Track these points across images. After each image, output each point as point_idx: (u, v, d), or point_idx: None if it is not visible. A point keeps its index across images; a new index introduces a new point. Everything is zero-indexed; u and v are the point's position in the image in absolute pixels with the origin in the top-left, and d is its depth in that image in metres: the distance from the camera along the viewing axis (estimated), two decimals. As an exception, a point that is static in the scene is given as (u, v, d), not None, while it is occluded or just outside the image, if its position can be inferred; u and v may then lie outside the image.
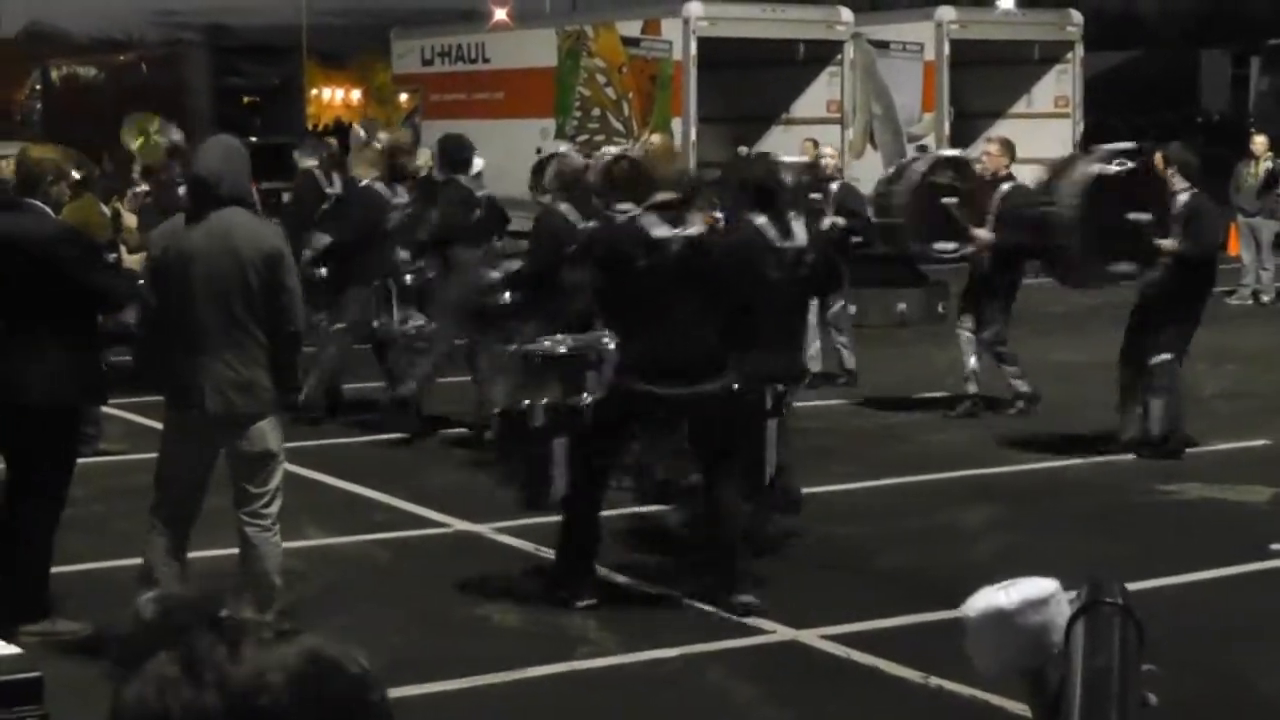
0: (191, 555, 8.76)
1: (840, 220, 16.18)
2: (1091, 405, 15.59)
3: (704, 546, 9.85)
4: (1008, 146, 15.57)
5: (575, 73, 29.63)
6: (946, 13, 29.39)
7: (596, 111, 29.15)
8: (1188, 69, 45.53)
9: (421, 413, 14.56)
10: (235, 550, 8.74)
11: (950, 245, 15.06)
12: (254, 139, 25.43)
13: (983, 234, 14.76)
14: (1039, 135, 27.84)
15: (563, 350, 9.81)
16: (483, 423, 13.14)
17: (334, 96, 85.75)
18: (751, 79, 29.05)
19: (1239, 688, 8.55)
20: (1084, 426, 14.65)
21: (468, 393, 14.35)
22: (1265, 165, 24.81)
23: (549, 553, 10.77)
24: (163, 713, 1.67)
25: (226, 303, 8.35)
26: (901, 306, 21.99)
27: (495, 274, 12.72)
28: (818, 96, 28.74)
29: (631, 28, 28.76)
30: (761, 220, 10.51)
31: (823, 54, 28.47)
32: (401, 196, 14.89)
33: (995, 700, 7.76)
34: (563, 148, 15.40)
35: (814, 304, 13.97)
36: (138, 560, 8.77)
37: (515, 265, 13.01)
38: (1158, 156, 13.65)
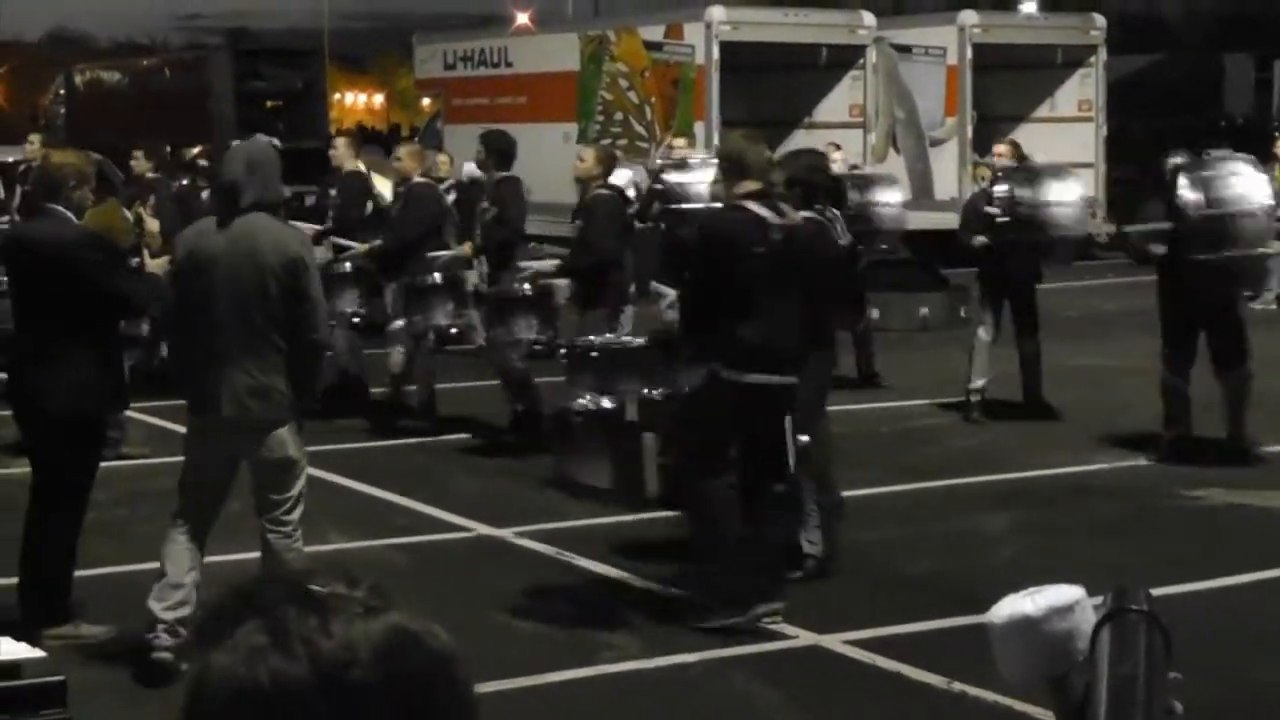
0: (212, 559, 8.76)
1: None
2: (1115, 410, 15.59)
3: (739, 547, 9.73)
4: (1017, 148, 15.75)
5: (598, 77, 29.67)
6: (969, 17, 29.40)
7: (619, 116, 29.19)
8: (1211, 73, 45.47)
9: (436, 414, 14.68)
10: (255, 555, 8.73)
11: None
12: (277, 143, 25.54)
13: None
14: (1062, 139, 27.88)
15: (639, 342, 9.80)
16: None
17: (356, 100, 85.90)
18: (774, 83, 29.08)
19: (1265, 695, 8.52)
20: (1108, 431, 14.63)
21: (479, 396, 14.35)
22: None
23: (571, 557, 10.79)
24: (252, 682, 1.65)
25: (246, 309, 8.31)
26: (923, 311, 21.96)
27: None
28: (840, 101, 28.77)
29: (654, 32, 28.80)
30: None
31: (845, 58, 28.50)
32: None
33: (1020, 706, 7.74)
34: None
35: None
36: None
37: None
38: None
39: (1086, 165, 28.11)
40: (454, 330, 14.05)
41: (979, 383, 15.23)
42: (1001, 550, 11.06)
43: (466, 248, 14.63)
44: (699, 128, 27.42)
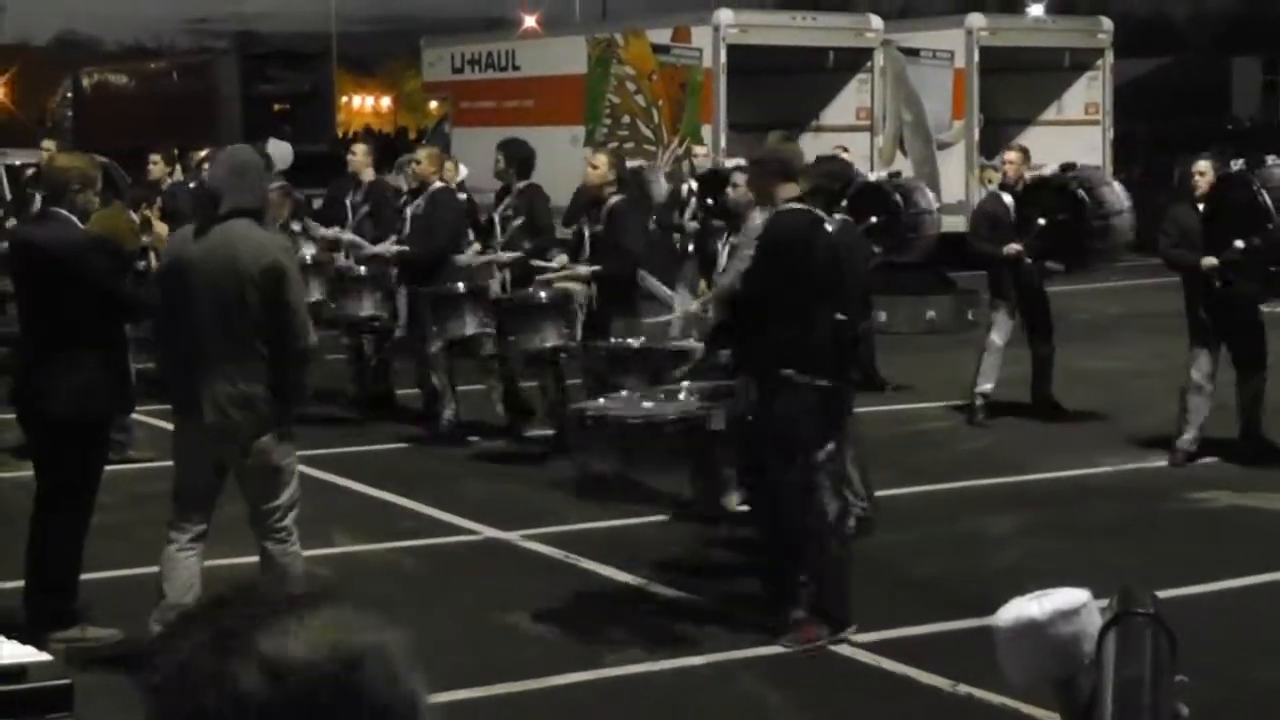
0: (211, 563, 8.75)
1: None
2: (1122, 412, 15.60)
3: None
4: (1026, 155, 15.75)
5: (605, 80, 29.65)
6: (976, 20, 29.38)
7: (626, 119, 29.17)
8: (1219, 76, 45.46)
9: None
10: (254, 559, 8.72)
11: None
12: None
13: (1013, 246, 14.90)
14: (1069, 142, 27.80)
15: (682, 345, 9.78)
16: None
17: (363, 103, 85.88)
18: (781, 86, 29.03)
19: (1271, 697, 8.51)
20: (1114, 433, 14.63)
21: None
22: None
23: (578, 560, 10.79)
24: (196, 689, 1.71)
25: (226, 316, 8.22)
26: (931, 314, 21.96)
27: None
28: (848, 104, 28.74)
29: (661, 35, 28.77)
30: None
31: (853, 61, 28.47)
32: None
33: (1026, 709, 7.74)
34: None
35: None
36: (165, 568, 8.78)
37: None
38: None
39: (1094, 169, 28.08)
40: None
41: (986, 386, 15.24)
42: (1008, 553, 11.06)
43: (503, 255, 14.45)
44: (706, 131, 27.41)
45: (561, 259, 13.73)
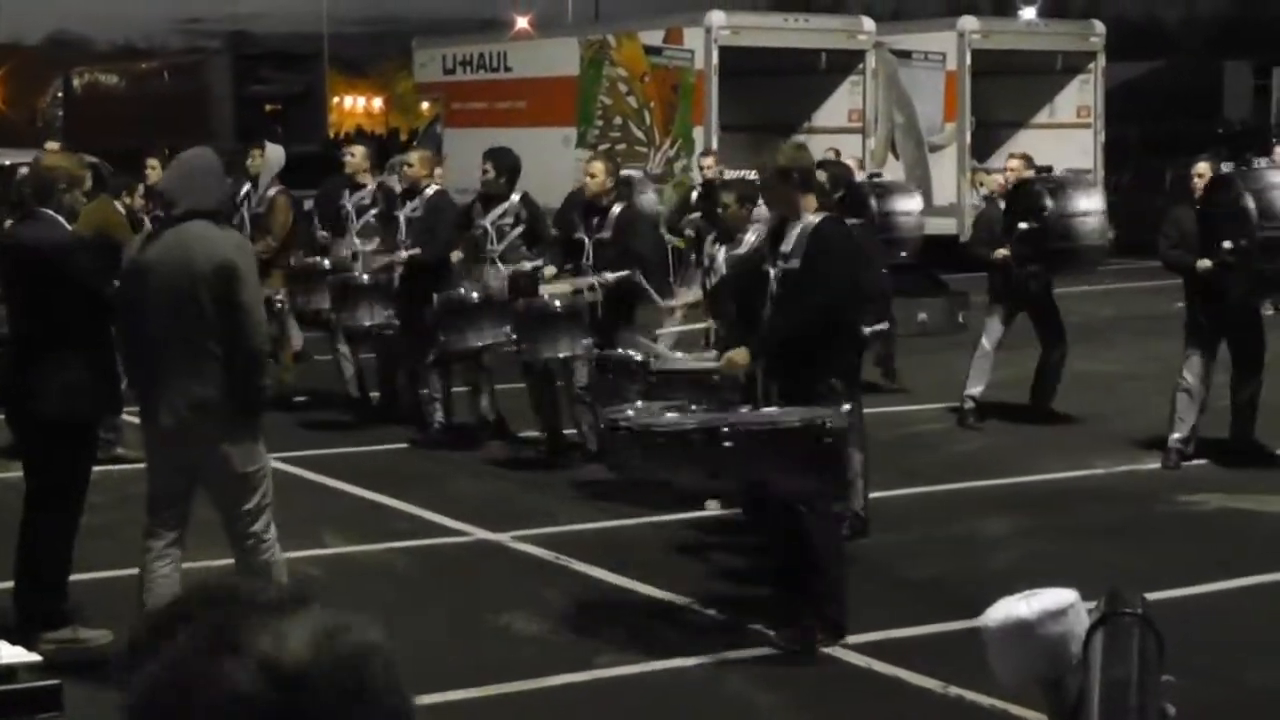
0: (192, 565, 8.73)
1: None
2: (1113, 415, 15.61)
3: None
4: (1028, 161, 15.78)
5: (597, 81, 29.66)
6: (969, 22, 29.43)
7: (618, 120, 29.19)
8: (1210, 79, 45.50)
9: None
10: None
11: None
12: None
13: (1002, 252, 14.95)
14: (1061, 145, 27.87)
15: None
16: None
17: (355, 104, 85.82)
18: (773, 88, 29.06)
19: (1259, 699, 8.53)
20: (1107, 436, 14.65)
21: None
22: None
23: (569, 561, 10.79)
24: (188, 688, 1.67)
25: (180, 318, 8.14)
26: (922, 316, 21.96)
27: None
28: (839, 106, 28.77)
29: (654, 36, 28.79)
30: None
31: (845, 63, 28.51)
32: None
33: (1015, 710, 7.75)
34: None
35: None
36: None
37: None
38: None
39: (1085, 171, 28.13)
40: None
41: (973, 390, 15.26)
42: (1000, 555, 11.07)
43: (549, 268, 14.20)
44: (698, 132, 27.43)
45: (550, 270, 13.68)
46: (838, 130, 27.91)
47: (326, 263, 15.39)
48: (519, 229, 14.05)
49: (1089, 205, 15.01)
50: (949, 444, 14.74)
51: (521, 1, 59.49)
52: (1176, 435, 13.55)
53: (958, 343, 18.63)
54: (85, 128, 43.97)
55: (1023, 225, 14.74)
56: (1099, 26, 30.37)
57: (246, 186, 16.43)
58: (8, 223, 9.77)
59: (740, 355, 9.19)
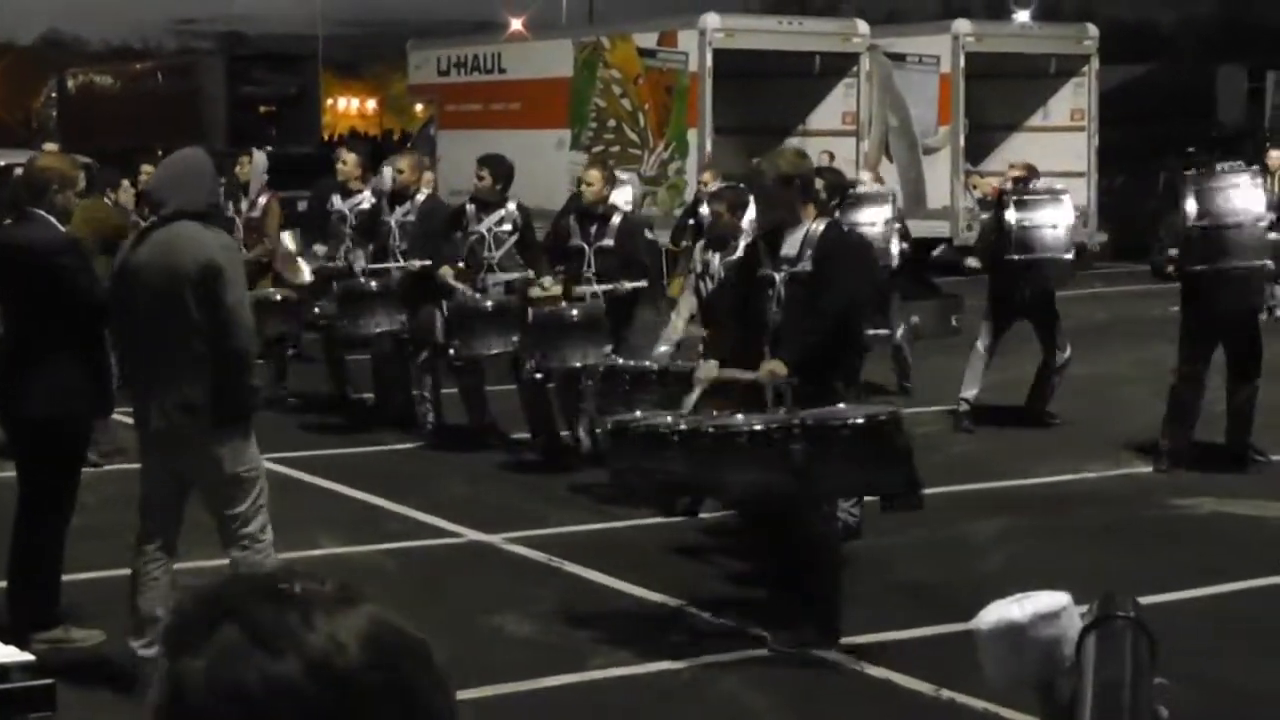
0: (184, 566, 8.71)
1: None
2: (1107, 418, 15.62)
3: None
4: (1032, 170, 15.87)
5: (591, 83, 29.67)
6: (963, 25, 29.45)
7: (612, 122, 29.19)
8: (1204, 83, 45.47)
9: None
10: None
11: None
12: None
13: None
14: (1055, 148, 27.89)
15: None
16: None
17: (349, 106, 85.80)
18: (767, 91, 29.08)
19: (1251, 702, 8.53)
20: (1100, 439, 14.66)
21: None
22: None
23: (561, 563, 10.80)
24: (239, 684, 1.65)
25: (167, 319, 8.11)
26: (914, 319, 21.96)
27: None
28: (833, 108, 28.79)
29: (648, 39, 28.80)
30: None
31: (839, 66, 28.51)
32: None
33: (1007, 713, 7.76)
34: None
35: None
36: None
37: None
38: None
39: (1079, 174, 28.16)
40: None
41: (967, 393, 15.29)
42: (992, 558, 11.08)
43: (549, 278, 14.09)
44: (692, 135, 27.44)
45: (547, 280, 13.65)
46: (832, 133, 27.93)
47: (307, 274, 15.36)
48: (515, 236, 14.03)
49: (1055, 217, 15.01)
50: (943, 447, 14.73)
51: (516, 3, 59.47)
52: (1169, 440, 13.56)
53: (951, 346, 18.65)
54: (79, 128, 43.96)
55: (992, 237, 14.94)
56: (1092, 30, 30.38)
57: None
58: (6, 221, 9.75)
59: (778, 366, 9.12)
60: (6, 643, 6.28)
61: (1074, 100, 29.78)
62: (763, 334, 9.27)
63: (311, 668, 1.66)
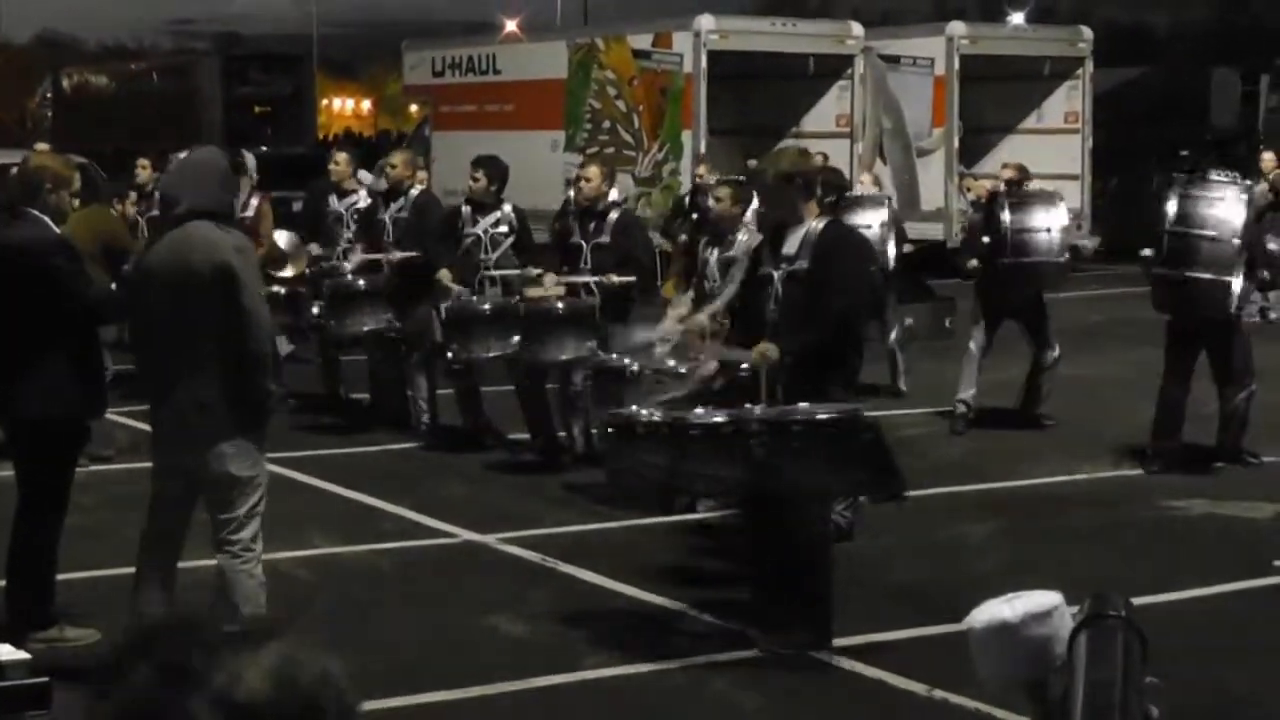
0: (186, 565, 8.71)
1: None
2: (1100, 420, 15.63)
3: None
4: (1024, 171, 15.90)
5: (586, 85, 29.67)
6: (957, 28, 29.47)
7: (607, 124, 29.20)
8: (1198, 86, 45.48)
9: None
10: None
11: None
12: (264, 148, 25.51)
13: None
14: (1049, 151, 27.92)
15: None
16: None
17: (344, 106, 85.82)
18: (762, 92, 29.11)
19: (1241, 703, 8.55)
20: (1093, 441, 14.67)
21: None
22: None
23: (555, 563, 10.81)
24: (144, 718, 1.76)
25: (182, 320, 8.09)
26: (908, 321, 21.97)
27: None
28: (828, 110, 28.81)
29: (642, 40, 28.80)
30: None
31: (833, 68, 28.54)
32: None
33: (999, 714, 7.77)
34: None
35: None
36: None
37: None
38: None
39: (1073, 177, 28.20)
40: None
41: (963, 394, 15.31)
42: (985, 559, 11.09)
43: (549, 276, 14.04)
44: (686, 136, 27.46)
45: (550, 278, 13.65)
46: (826, 135, 27.92)
47: (292, 269, 15.46)
48: (511, 238, 14.04)
49: (1048, 221, 15.04)
50: (935, 448, 14.76)
51: (511, 4, 59.44)
52: (1158, 441, 13.60)
53: (945, 348, 18.67)
54: (74, 128, 43.91)
55: (985, 239, 14.92)
56: (1087, 32, 30.41)
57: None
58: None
59: (770, 349, 9.14)
60: (3, 641, 6.30)
61: (1068, 103, 29.81)
62: (761, 332, 9.29)
63: (215, 704, 1.74)
